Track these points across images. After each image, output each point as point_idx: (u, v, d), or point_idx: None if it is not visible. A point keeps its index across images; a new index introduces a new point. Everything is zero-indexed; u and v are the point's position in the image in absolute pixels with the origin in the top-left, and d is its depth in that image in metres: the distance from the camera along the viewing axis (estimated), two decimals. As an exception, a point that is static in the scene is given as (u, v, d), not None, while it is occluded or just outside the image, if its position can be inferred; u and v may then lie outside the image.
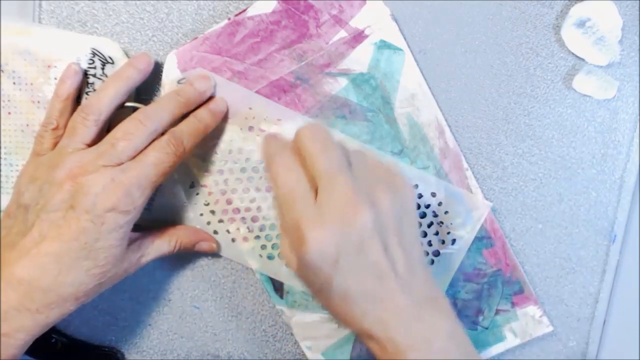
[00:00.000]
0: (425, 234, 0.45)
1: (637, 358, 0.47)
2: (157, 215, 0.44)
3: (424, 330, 0.35)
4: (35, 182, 0.38)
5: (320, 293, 0.36)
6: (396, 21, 0.44)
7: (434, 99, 0.45)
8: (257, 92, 0.44)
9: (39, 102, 0.44)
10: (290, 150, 0.37)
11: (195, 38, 0.43)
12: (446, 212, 0.45)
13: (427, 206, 0.45)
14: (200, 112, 0.42)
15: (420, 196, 0.44)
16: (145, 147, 0.39)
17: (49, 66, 0.43)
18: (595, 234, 0.46)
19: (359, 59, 0.44)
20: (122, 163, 0.38)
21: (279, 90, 0.44)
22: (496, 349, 0.46)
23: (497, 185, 0.45)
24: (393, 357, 0.35)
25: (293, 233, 0.35)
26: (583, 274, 0.46)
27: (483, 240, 0.45)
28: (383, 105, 0.44)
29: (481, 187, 0.45)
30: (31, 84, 0.43)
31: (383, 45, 0.44)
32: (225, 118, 0.43)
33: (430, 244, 0.45)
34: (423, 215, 0.45)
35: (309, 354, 0.46)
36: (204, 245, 0.44)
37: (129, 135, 0.38)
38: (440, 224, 0.45)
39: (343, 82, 0.44)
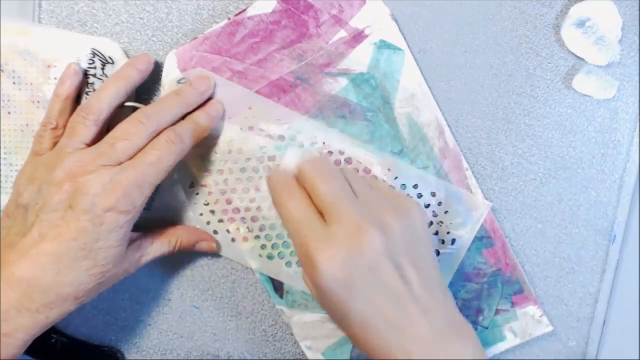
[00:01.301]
0: None
1: (637, 358, 0.47)
2: (157, 215, 0.44)
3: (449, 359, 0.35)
4: (35, 182, 0.38)
5: (342, 322, 0.37)
6: (396, 21, 0.44)
7: (434, 99, 0.45)
8: (257, 92, 0.44)
9: (39, 102, 0.44)
10: (295, 183, 0.38)
11: (195, 38, 0.43)
12: (446, 212, 0.45)
13: (427, 206, 0.45)
14: (198, 115, 0.42)
15: (420, 196, 0.44)
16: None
17: (49, 66, 0.43)
18: (595, 234, 0.46)
19: (359, 59, 0.44)
20: (122, 163, 0.38)
21: (279, 90, 0.44)
22: (496, 349, 0.46)
23: (497, 185, 0.45)
24: None
25: (305, 261, 0.36)
26: (583, 274, 0.46)
27: (483, 240, 0.45)
28: (383, 105, 0.44)
29: (481, 187, 0.45)
30: (31, 84, 0.43)
31: (383, 45, 0.44)
32: (225, 118, 0.43)
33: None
34: None
35: (309, 354, 0.46)
36: (204, 245, 0.44)
37: (128, 135, 0.38)
38: (440, 224, 0.45)
39: (343, 82, 0.44)
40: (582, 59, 0.44)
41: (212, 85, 0.42)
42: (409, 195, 0.44)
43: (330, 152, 0.44)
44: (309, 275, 0.36)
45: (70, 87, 0.42)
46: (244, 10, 0.43)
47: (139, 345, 0.47)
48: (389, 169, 0.44)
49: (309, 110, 0.44)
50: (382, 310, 0.35)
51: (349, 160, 0.44)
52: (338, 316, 0.36)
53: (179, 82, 0.43)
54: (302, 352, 0.46)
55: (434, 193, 0.44)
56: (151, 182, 0.38)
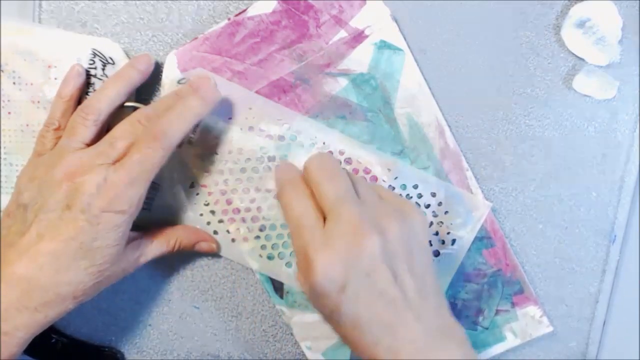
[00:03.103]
0: None
1: (637, 358, 0.47)
2: (156, 215, 0.44)
3: None
4: (34, 181, 0.38)
5: (332, 319, 0.37)
6: (396, 21, 0.44)
7: (434, 99, 0.45)
8: (257, 92, 0.44)
9: (39, 102, 0.44)
10: (300, 180, 0.38)
11: (195, 38, 0.43)
12: (446, 212, 0.45)
13: (427, 206, 0.44)
14: (189, 99, 0.40)
15: (420, 196, 0.44)
16: None
17: (49, 66, 0.43)
18: (595, 234, 0.46)
19: (359, 59, 0.44)
20: (118, 159, 0.38)
21: (279, 91, 0.44)
22: (496, 349, 0.46)
23: (497, 186, 0.45)
24: None
25: (302, 260, 0.36)
26: (583, 274, 0.46)
27: (483, 240, 0.45)
28: (383, 105, 0.44)
29: (481, 188, 0.45)
30: (31, 84, 0.43)
31: (383, 46, 0.44)
32: (225, 118, 0.43)
33: (430, 244, 0.45)
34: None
35: (309, 354, 0.46)
36: (203, 245, 0.44)
37: (127, 134, 0.38)
38: (440, 224, 0.45)
39: (343, 82, 0.44)
40: (582, 59, 0.44)
41: (212, 85, 0.42)
42: (412, 201, 0.44)
43: (330, 152, 0.44)
44: (304, 273, 0.36)
45: (73, 88, 0.42)
46: (244, 10, 0.43)
47: (139, 345, 0.47)
48: (388, 169, 0.44)
49: (309, 110, 0.44)
50: (374, 313, 0.35)
51: (348, 161, 0.44)
52: (329, 315, 0.36)
53: (179, 82, 0.43)
54: (302, 352, 0.46)
55: (434, 193, 0.44)
56: (142, 180, 0.38)
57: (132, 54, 0.44)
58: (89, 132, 0.39)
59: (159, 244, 0.42)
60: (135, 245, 0.41)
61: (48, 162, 0.39)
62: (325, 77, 0.44)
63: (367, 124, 0.44)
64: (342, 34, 0.44)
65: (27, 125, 0.44)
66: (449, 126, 0.45)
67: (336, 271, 0.35)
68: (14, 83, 0.43)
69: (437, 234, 0.45)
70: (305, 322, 0.46)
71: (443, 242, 0.45)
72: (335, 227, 0.35)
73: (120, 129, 0.39)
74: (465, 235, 0.45)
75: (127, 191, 0.37)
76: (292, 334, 0.46)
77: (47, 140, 0.41)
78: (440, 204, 0.44)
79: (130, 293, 0.46)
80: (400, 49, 0.44)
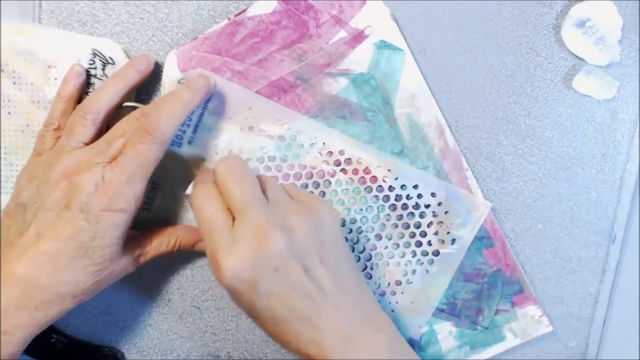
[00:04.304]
0: (424, 234, 0.45)
1: (637, 358, 0.47)
2: (157, 215, 0.44)
3: (361, 349, 0.36)
4: (33, 181, 0.38)
5: (253, 317, 0.37)
6: (396, 21, 0.44)
7: (434, 99, 0.45)
8: (257, 92, 0.44)
9: (39, 102, 0.43)
10: (211, 183, 0.38)
11: (195, 38, 0.43)
12: (446, 212, 0.45)
13: (427, 206, 0.45)
14: (180, 91, 0.40)
15: (420, 196, 0.44)
16: None
17: (49, 66, 0.43)
18: (595, 234, 0.46)
19: (359, 59, 0.44)
20: (115, 157, 0.38)
21: (279, 90, 0.44)
22: (496, 349, 0.46)
23: (497, 186, 0.45)
24: None
25: (212, 262, 0.36)
26: (583, 274, 0.46)
27: (483, 240, 0.45)
28: (383, 105, 0.44)
29: (481, 187, 0.45)
30: (31, 84, 0.43)
31: (383, 46, 0.44)
32: (225, 118, 0.43)
33: (429, 243, 0.45)
34: (423, 215, 0.45)
35: (309, 354, 0.46)
36: (203, 245, 0.44)
37: (126, 133, 0.38)
38: (440, 224, 0.45)
39: (343, 82, 0.44)
40: (582, 59, 0.44)
41: (212, 84, 0.42)
42: (412, 201, 0.44)
43: (331, 152, 0.44)
44: (216, 274, 0.36)
45: (73, 88, 0.42)
46: (244, 10, 0.43)
47: (139, 345, 0.47)
48: (389, 169, 0.44)
49: (309, 110, 0.44)
50: (291, 307, 0.35)
51: (348, 161, 0.44)
52: (249, 313, 0.37)
53: (179, 82, 0.43)
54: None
55: (434, 193, 0.44)
56: (139, 176, 0.38)
57: (132, 54, 0.44)
58: (88, 131, 0.39)
59: (159, 243, 0.42)
60: (134, 244, 0.41)
61: (47, 162, 0.39)
62: (325, 77, 0.44)
63: (367, 124, 0.44)
64: (342, 34, 0.44)
65: (27, 125, 0.44)
66: (449, 126, 0.45)
67: (244, 271, 0.35)
68: (14, 83, 0.43)
69: (436, 233, 0.45)
70: None
71: (443, 241, 0.45)
72: (242, 228, 0.35)
73: (118, 128, 0.39)
74: (465, 235, 0.45)
75: (125, 189, 0.37)
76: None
77: (46, 140, 0.41)
78: (440, 204, 0.44)
79: (130, 293, 0.46)
80: (400, 49, 0.44)
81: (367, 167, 0.44)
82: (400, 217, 0.45)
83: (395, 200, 0.44)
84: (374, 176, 0.44)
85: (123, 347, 0.47)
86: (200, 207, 0.37)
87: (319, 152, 0.44)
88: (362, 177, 0.44)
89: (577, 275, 0.46)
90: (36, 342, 0.38)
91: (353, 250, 0.45)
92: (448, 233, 0.45)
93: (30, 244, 0.36)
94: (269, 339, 0.47)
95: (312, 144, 0.44)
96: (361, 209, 0.45)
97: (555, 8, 0.44)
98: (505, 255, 0.45)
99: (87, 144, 0.39)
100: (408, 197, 0.44)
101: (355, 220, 0.45)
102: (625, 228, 0.46)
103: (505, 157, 0.45)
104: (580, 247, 0.46)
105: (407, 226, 0.45)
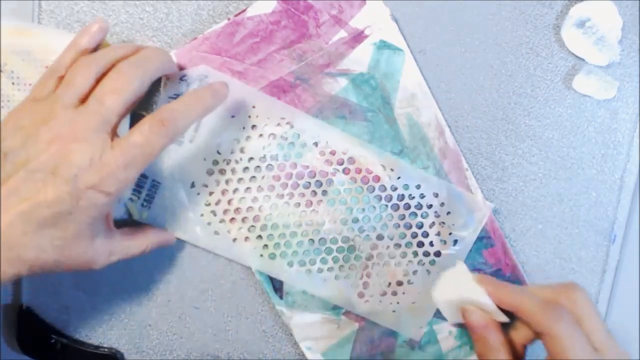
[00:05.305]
0: (426, 234, 0.45)
1: (638, 358, 0.47)
2: (156, 214, 0.44)
3: None
4: (21, 130, 0.36)
5: None
6: (396, 21, 0.44)
7: (434, 99, 0.45)
8: (257, 92, 0.44)
9: None
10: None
11: (195, 38, 0.43)
12: (448, 213, 0.44)
13: (430, 206, 0.44)
14: (202, 91, 0.39)
15: (422, 196, 0.44)
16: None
17: (47, 67, 0.43)
18: (595, 234, 0.46)
19: (359, 59, 0.44)
20: (113, 124, 0.36)
21: (279, 91, 0.44)
22: (496, 349, 0.46)
23: (497, 186, 0.45)
24: None
25: None
26: (583, 274, 0.46)
27: (483, 240, 0.45)
28: (383, 105, 0.44)
29: (481, 188, 0.45)
30: (30, 84, 0.43)
31: (383, 46, 0.44)
32: (228, 116, 0.43)
33: (431, 244, 0.45)
34: (425, 216, 0.45)
35: (308, 355, 0.46)
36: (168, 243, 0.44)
37: (118, 90, 0.36)
38: (442, 225, 0.45)
39: (343, 82, 0.44)
40: (582, 59, 0.44)
41: (224, 83, 0.40)
42: (414, 201, 0.44)
43: (333, 152, 0.44)
44: None
45: (91, 41, 0.39)
46: (244, 10, 0.43)
47: (139, 345, 0.47)
48: (392, 169, 0.44)
49: (308, 110, 0.44)
50: None
51: (351, 160, 0.44)
52: None
53: (181, 78, 0.43)
54: (302, 352, 0.46)
55: (437, 193, 0.44)
56: (139, 164, 0.36)
57: (132, 54, 0.44)
58: (88, 84, 0.37)
59: (129, 245, 0.41)
60: (106, 240, 0.39)
61: (39, 113, 0.36)
62: (325, 77, 0.44)
63: (367, 124, 0.44)
64: (342, 34, 0.44)
65: None
66: (449, 126, 0.45)
67: None
68: (12, 83, 0.43)
69: (438, 234, 0.45)
70: (305, 323, 0.46)
71: (445, 242, 0.45)
72: None
73: (109, 86, 0.37)
74: (467, 236, 0.45)
75: (119, 173, 0.35)
76: (291, 335, 0.46)
77: (46, 88, 0.38)
78: (442, 204, 0.44)
79: (130, 293, 0.46)
80: (400, 49, 0.44)
81: (369, 167, 0.44)
82: (403, 216, 0.45)
83: (398, 200, 0.44)
84: (376, 175, 0.44)
85: (123, 347, 0.47)
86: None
87: (322, 152, 0.44)
88: (365, 176, 0.44)
89: (577, 275, 0.46)
90: (36, 342, 0.38)
91: (354, 250, 0.45)
92: (450, 234, 0.45)
93: (5, 198, 0.35)
94: (268, 339, 0.47)
95: (315, 143, 0.44)
96: (363, 209, 0.44)
97: (555, 8, 0.44)
98: (505, 255, 0.45)
99: (82, 100, 0.37)
100: (410, 196, 0.44)
101: (357, 220, 0.45)
102: (625, 228, 0.46)
103: (505, 157, 0.45)
104: (580, 247, 0.46)
105: (409, 226, 0.45)
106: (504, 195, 0.46)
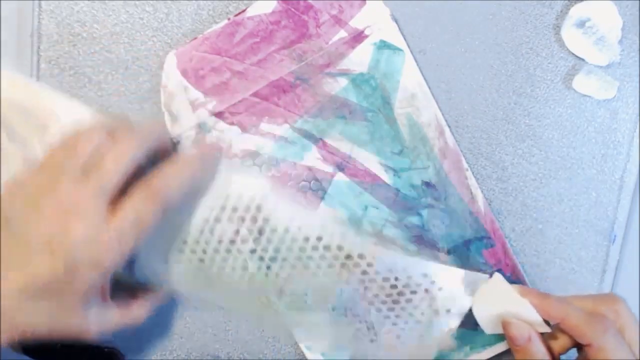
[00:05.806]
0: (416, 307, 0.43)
1: (638, 358, 0.47)
2: (140, 277, 0.42)
3: None
4: (26, 197, 0.36)
5: None
6: (396, 21, 0.44)
7: (434, 99, 0.45)
8: (257, 92, 0.44)
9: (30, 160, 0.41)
10: None
11: (195, 38, 0.43)
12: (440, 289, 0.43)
13: (418, 285, 0.43)
14: (192, 162, 0.39)
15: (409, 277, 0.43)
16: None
17: (43, 126, 0.40)
18: (595, 234, 0.46)
19: (359, 59, 0.44)
20: (112, 194, 0.36)
21: (279, 90, 0.44)
22: (496, 349, 0.46)
23: (497, 186, 0.45)
24: None
25: None
26: (583, 274, 0.46)
27: (483, 240, 0.45)
28: (383, 105, 0.44)
29: (481, 188, 0.45)
30: (24, 141, 0.40)
31: (383, 46, 0.44)
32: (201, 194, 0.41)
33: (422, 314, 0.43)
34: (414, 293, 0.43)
35: (308, 355, 0.46)
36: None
37: (121, 163, 0.36)
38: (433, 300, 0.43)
39: (343, 82, 0.44)
40: (582, 59, 0.44)
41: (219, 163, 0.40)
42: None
43: (332, 153, 0.44)
44: None
45: (135, 158, 0.37)
46: (244, 10, 0.43)
47: (139, 346, 0.47)
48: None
49: (308, 110, 0.44)
50: None
51: (349, 161, 0.44)
52: None
53: (172, 140, 0.42)
54: (302, 352, 0.46)
55: (425, 274, 0.42)
56: (132, 239, 0.36)
57: (132, 54, 0.44)
58: (92, 155, 0.36)
59: (126, 315, 0.41)
60: (102, 309, 0.39)
61: (45, 180, 0.37)
62: (325, 77, 0.44)
63: (367, 124, 0.44)
64: (342, 34, 0.44)
65: None
66: (449, 126, 0.45)
67: None
68: (7, 135, 0.41)
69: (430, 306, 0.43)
70: (305, 323, 0.46)
71: (437, 312, 0.43)
72: None
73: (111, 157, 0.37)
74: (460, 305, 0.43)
75: (114, 249, 0.35)
76: (291, 335, 0.46)
77: (54, 158, 0.37)
78: (433, 282, 0.43)
79: (130, 293, 0.46)
80: (400, 49, 0.44)
81: (367, 168, 0.44)
82: (390, 295, 0.43)
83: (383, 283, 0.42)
84: (375, 176, 0.44)
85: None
86: None
87: (319, 153, 0.44)
88: (363, 177, 0.44)
89: (577, 275, 0.46)
90: (36, 343, 0.38)
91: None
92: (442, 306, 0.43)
93: (4, 267, 0.35)
94: (268, 339, 0.47)
95: (313, 143, 0.44)
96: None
97: (555, 8, 0.44)
98: (505, 255, 0.45)
99: (87, 170, 0.36)
100: (396, 279, 0.42)
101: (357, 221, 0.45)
102: (625, 228, 0.46)
103: (505, 157, 0.45)
104: (580, 247, 0.46)
105: (397, 302, 0.43)
106: (504, 195, 0.46)
